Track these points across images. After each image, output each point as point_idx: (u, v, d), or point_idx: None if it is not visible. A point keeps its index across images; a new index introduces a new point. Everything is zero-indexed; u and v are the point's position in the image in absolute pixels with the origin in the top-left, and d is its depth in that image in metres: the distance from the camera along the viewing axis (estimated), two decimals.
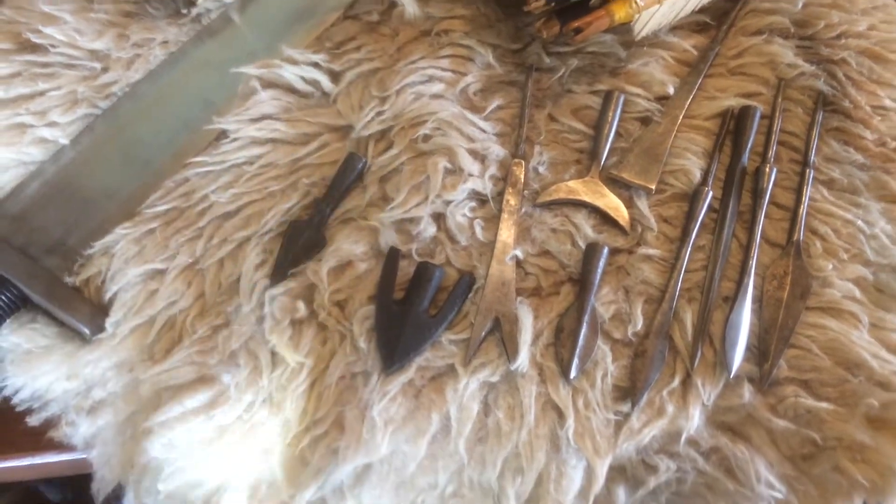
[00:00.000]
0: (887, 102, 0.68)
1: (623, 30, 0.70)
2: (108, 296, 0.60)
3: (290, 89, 0.70)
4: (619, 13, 0.67)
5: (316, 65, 0.70)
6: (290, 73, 0.69)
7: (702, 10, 0.74)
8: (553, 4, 0.67)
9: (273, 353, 0.58)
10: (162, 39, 0.73)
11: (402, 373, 0.57)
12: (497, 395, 0.57)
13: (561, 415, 0.56)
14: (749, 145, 0.66)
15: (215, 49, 0.73)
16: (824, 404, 0.56)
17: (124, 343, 0.58)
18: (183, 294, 0.60)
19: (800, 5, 0.73)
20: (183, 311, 0.59)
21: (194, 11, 0.75)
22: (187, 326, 0.58)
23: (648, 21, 0.69)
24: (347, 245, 0.62)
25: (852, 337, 0.58)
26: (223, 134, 0.67)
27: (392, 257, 0.61)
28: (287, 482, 0.54)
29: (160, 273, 0.61)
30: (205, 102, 0.69)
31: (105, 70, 0.70)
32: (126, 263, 0.61)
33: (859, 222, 0.63)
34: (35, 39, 0.70)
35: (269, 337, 0.58)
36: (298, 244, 0.61)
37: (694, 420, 0.56)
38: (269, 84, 0.69)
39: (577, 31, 0.67)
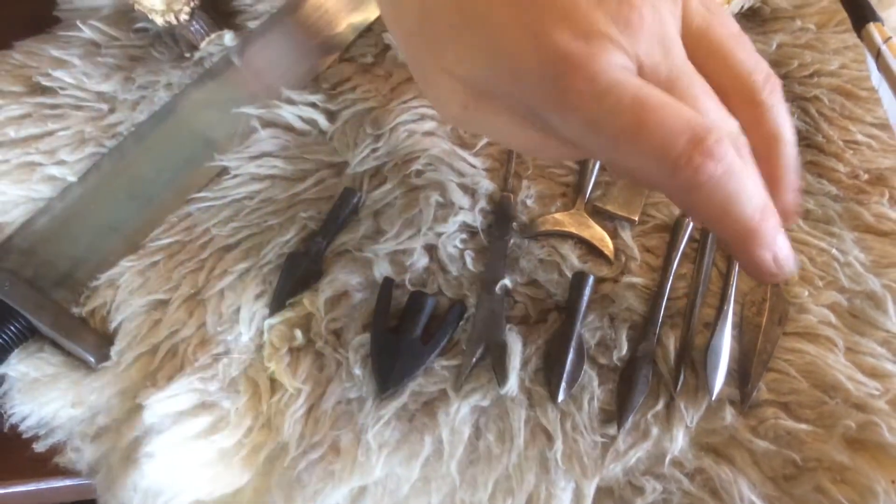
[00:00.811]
0: (859, 137, 0.72)
1: None
2: (113, 325, 0.63)
3: (289, 128, 0.73)
4: None
5: (313, 105, 0.73)
6: (288, 113, 0.72)
7: None
8: None
9: (272, 380, 0.60)
10: (166, 82, 0.76)
11: (396, 398, 0.59)
12: (488, 419, 0.59)
13: (549, 437, 0.58)
14: None
15: (217, 90, 0.77)
16: (803, 426, 0.59)
17: (128, 371, 0.61)
18: (185, 323, 0.62)
19: (774, 46, 0.77)
20: (185, 340, 0.62)
21: (197, 55, 0.78)
22: (189, 355, 0.61)
23: None
24: (343, 276, 0.64)
25: (828, 360, 0.60)
26: (224, 171, 0.70)
27: (386, 287, 0.63)
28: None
29: (163, 303, 0.63)
30: (206, 141, 0.72)
31: (112, 111, 0.74)
32: (130, 294, 0.63)
33: (833, 251, 0.65)
34: (45, 82, 0.73)
35: (268, 364, 0.60)
36: (296, 275, 0.64)
37: (678, 442, 0.58)
38: (268, 123, 0.73)
39: None
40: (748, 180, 0.41)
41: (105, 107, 0.74)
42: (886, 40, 0.64)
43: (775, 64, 0.77)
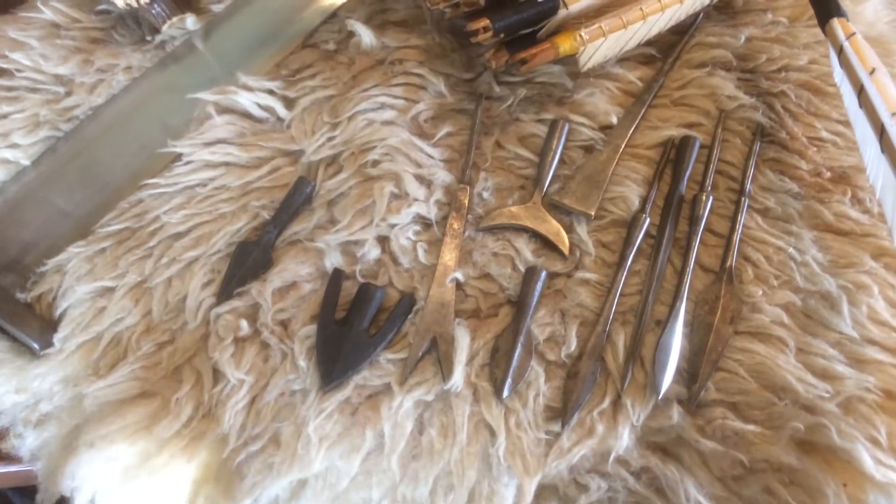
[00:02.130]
0: (824, 134, 0.71)
1: (571, 61, 0.72)
2: (58, 312, 0.62)
3: (246, 115, 0.72)
4: (565, 46, 0.69)
5: (271, 91, 0.72)
6: (245, 100, 0.71)
7: (649, 43, 0.76)
8: (501, 36, 0.70)
9: (215, 370, 0.59)
10: (126, 65, 0.75)
11: (340, 391, 0.59)
12: (431, 414, 0.59)
13: (493, 433, 0.58)
14: (687, 174, 0.68)
15: (178, 74, 0.76)
16: (751, 427, 0.58)
17: (71, 358, 0.60)
18: (130, 311, 0.62)
19: (742, 39, 0.76)
20: (129, 328, 0.61)
21: (158, 38, 0.77)
22: (133, 343, 0.60)
23: (594, 54, 0.71)
24: (293, 266, 0.64)
25: (779, 361, 0.60)
26: (179, 157, 0.69)
27: (335, 278, 0.63)
28: (223, 495, 0.55)
29: (109, 291, 0.63)
30: (163, 126, 0.71)
31: (68, 94, 0.73)
32: (77, 281, 0.63)
33: (791, 250, 0.64)
34: (1, 64, 0.73)
35: (211, 354, 0.59)
36: (246, 264, 0.63)
37: (623, 440, 0.58)
38: (225, 110, 0.72)
39: (524, 62, 0.70)
40: None
41: (62, 90, 0.73)
42: (849, 36, 0.62)
43: (743, 58, 0.75)
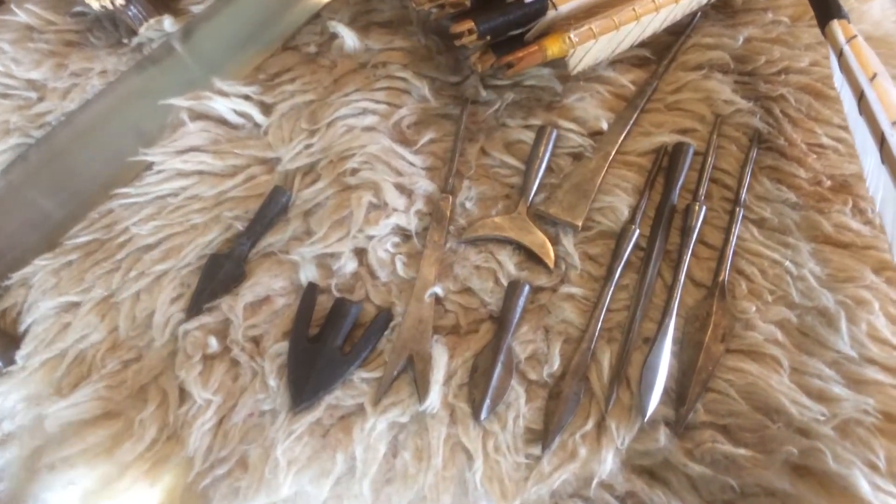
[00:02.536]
0: (824, 140, 0.67)
1: (561, 63, 0.69)
2: (22, 328, 0.60)
3: (222, 121, 0.70)
4: (553, 48, 0.66)
5: (247, 97, 0.70)
6: (220, 105, 0.69)
7: (643, 45, 0.73)
8: (487, 39, 0.67)
9: (182, 390, 0.57)
10: (101, 69, 0.73)
11: (311, 412, 0.56)
12: (406, 436, 0.56)
13: (470, 457, 0.55)
14: (680, 182, 0.65)
15: (155, 78, 0.73)
16: (742, 450, 0.55)
17: (34, 376, 0.58)
18: (96, 327, 0.60)
19: (741, 40, 0.73)
20: (94, 346, 0.59)
21: (135, 41, 0.75)
22: (97, 361, 0.58)
23: (584, 56, 0.68)
24: (266, 279, 0.61)
25: (772, 381, 0.57)
26: (151, 165, 0.67)
27: (309, 293, 0.60)
28: None
29: (75, 306, 0.61)
30: (138, 133, 0.69)
31: (41, 99, 0.71)
32: (43, 295, 0.61)
33: (787, 263, 0.61)
34: None
35: (178, 373, 0.57)
36: (217, 278, 0.61)
37: (607, 464, 0.55)
38: (199, 116, 0.69)
39: (510, 66, 0.67)
40: None
41: (34, 95, 0.71)
42: (850, 39, 0.59)
43: (741, 60, 0.72)
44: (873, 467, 0.54)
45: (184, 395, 0.57)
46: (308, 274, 0.61)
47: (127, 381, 0.57)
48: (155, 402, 0.56)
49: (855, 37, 0.60)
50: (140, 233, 0.63)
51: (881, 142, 0.54)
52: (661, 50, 0.74)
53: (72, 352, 0.59)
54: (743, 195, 0.65)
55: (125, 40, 0.75)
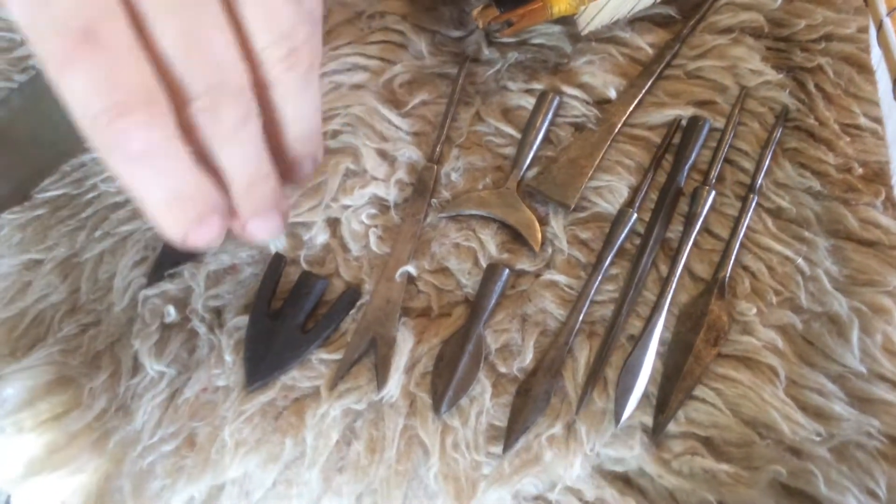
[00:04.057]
0: (862, 121, 0.59)
1: (574, 21, 0.63)
2: None
3: None
4: (560, 5, 0.60)
5: None
6: None
7: (668, 2, 0.66)
8: None
9: (136, 359, 0.55)
10: None
11: (264, 392, 0.54)
12: (362, 425, 0.53)
13: (426, 452, 0.52)
14: (690, 162, 0.59)
15: None
16: (724, 466, 0.50)
17: None
18: (57, 288, 0.58)
19: (779, 0, 0.64)
20: (54, 306, 0.57)
21: None
22: (55, 323, 0.56)
23: (597, 14, 0.62)
24: (232, 247, 0.58)
25: (764, 394, 0.51)
26: None
27: (274, 265, 0.57)
28: (132, 496, 0.52)
29: (38, 264, 0.59)
30: None
31: (24, 42, 0.68)
32: (8, 251, 0.59)
33: (799, 260, 0.55)
34: None
35: (133, 341, 0.55)
36: None
37: (574, 469, 0.51)
38: None
39: (510, 23, 0.61)
40: (168, 164, 0.36)
41: (17, 37, 0.68)
42: (893, 10, 0.51)
43: (778, 23, 0.64)
44: (872, 495, 0.49)
45: (137, 364, 0.55)
46: (277, 244, 0.58)
47: (83, 346, 0.56)
48: (108, 370, 0.55)
49: None
50: (108, 190, 0.61)
51: None
52: (690, 9, 0.66)
53: (31, 311, 0.57)
54: (760, 180, 0.58)
55: None
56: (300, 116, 0.42)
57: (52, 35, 0.33)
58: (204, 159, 0.38)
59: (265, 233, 0.43)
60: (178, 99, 0.36)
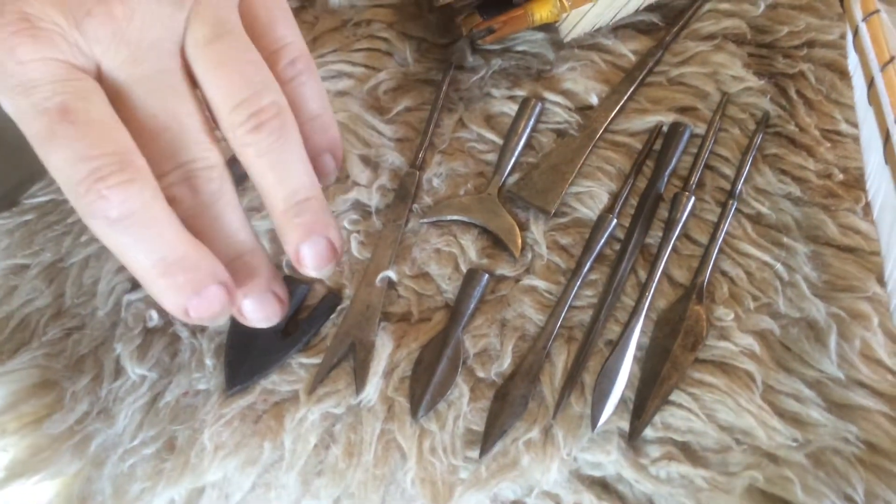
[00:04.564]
0: (843, 127, 0.60)
1: (557, 28, 0.63)
2: None
3: None
4: (542, 12, 0.60)
5: None
6: None
7: (652, 8, 0.66)
8: None
9: (118, 363, 0.56)
10: None
11: (244, 396, 0.54)
12: (340, 429, 0.53)
13: (403, 456, 0.52)
14: (670, 168, 0.59)
15: None
16: (701, 471, 0.51)
17: None
18: (42, 292, 0.58)
19: (763, 6, 0.65)
20: (39, 311, 0.58)
21: None
22: (40, 327, 0.57)
23: (579, 21, 0.62)
24: None
25: (741, 399, 0.51)
26: None
27: None
28: (113, 498, 0.52)
29: (24, 268, 0.60)
30: None
31: None
32: None
33: (778, 266, 0.55)
34: None
35: (115, 345, 0.56)
36: None
37: (551, 474, 0.51)
38: None
39: (490, 31, 0.61)
40: (152, 229, 0.38)
41: None
42: (869, 15, 0.51)
43: (761, 29, 0.64)
44: (849, 500, 0.49)
45: (119, 368, 0.56)
46: None
47: (66, 350, 0.56)
48: (90, 374, 0.55)
49: (876, 12, 0.52)
50: None
51: (885, 139, 0.47)
52: (675, 15, 0.66)
53: (17, 315, 0.58)
54: (739, 186, 0.58)
55: None
56: (314, 109, 0.46)
57: (33, 117, 0.36)
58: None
59: (260, 316, 0.45)
60: (157, 169, 0.38)
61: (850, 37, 0.54)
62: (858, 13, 0.52)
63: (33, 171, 0.64)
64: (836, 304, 0.54)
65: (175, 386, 0.55)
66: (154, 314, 0.56)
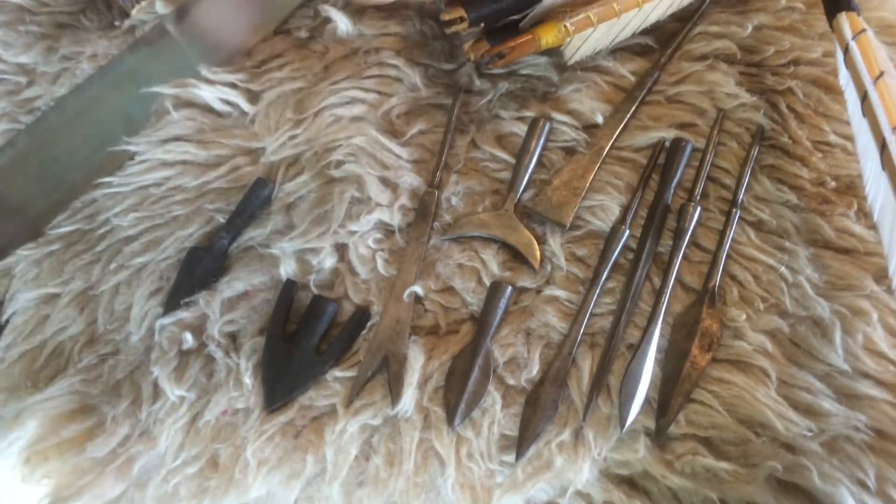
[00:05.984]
0: (832, 138, 0.64)
1: (559, 52, 0.67)
2: (4, 318, 0.60)
3: (208, 109, 0.68)
4: (547, 37, 0.64)
5: (233, 85, 0.68)
6: (206, 93, 0.67)
7: (646, 32, 0.70)
8: (481, 25, 0.65)
9: (156, 385, 0.57)
10: (91, 53, 0.72)
11: (283, 412, 0.56)
12: (379, 440, 0.55)
13: (442, 463, 0.54)
14: (675, 181, 0.63)
15: (147, 61, 0.72)
16: (724, 464, 0.53)
17: (12, 368, 0.58)
18: (74, 320, 0.60)
19: (750, 29, 0.69)
20: (73, 338, 0.59)
21: (128, 23, 0.74)
22: (74, 354, 0.58)
23: (581, 46, 0.66)
24: (245, 274, 0.60)
25: (758, 394, 0.55)
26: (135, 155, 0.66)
27: (286, 291, 0.59)
28: None
29: (55, 297, 0.60)
30: (126, 119, 0.68)
31: (30, 84, 0.70)
32: (24, 286, 0.61)
33: (782, 269, 0.59)
34: None
35: (152, 368, 0.57)
36: (195, 272, 0.60)
37: (583, 474, 0.54)
38: (186, 104, 0.68)
39: (501, 55, 0.64)
40: None
41: (24, 80, 0.70)
42: (857, 34, 0.55)
43: (749, 50, 0.69)
44: (862, 485, 0.52)
45: (157, 391, 0.57)
46: (287, 269, 0.60)
47: (103, 375, 0.57)
48: (129, 397, 0.56)
49: (863, 31, 0.56)
50: (121, 224, 0.63)
51: (882, 147, 0.51)
52: (666, 38, 0.71)
53: (50, 343, 0.59)
54: (741, 196, 0.62)
55: (117, 23, 0.74)
56: None
57: None
58: None
59: None
60: None
61: (840, 55, 0.58)
62: (848, 33, 0.56)
63: (55, 203, 0.65)
64: (838, 302, 0.57)
65: (214, 405, 0.56)
66: (189, 336, 0.58)
